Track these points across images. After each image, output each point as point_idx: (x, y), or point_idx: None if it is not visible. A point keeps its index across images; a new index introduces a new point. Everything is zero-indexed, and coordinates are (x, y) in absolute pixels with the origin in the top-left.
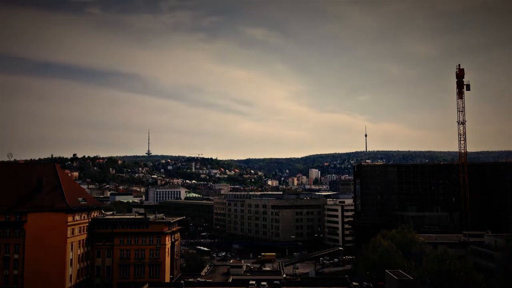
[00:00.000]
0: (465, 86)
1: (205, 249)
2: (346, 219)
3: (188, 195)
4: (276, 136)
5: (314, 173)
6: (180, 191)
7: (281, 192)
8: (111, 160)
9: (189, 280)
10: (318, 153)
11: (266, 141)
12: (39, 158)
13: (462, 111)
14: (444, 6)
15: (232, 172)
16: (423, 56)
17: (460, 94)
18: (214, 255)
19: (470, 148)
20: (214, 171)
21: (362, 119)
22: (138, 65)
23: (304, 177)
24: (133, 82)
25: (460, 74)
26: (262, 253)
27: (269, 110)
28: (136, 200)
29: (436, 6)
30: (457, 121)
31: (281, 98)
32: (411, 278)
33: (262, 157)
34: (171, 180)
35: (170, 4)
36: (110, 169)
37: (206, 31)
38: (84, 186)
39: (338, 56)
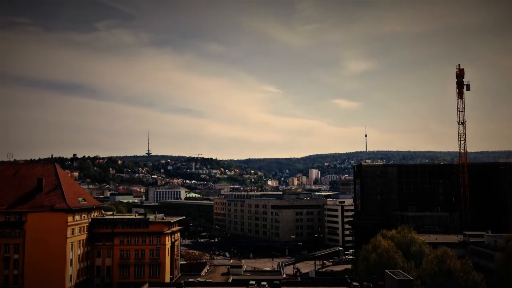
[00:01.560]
0: (465, 86)
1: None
2: (346, 219)
3: (188, 195)
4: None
5: (314, 173)
6: (180, 191)
7: (281, 192)
8: (111, 160)
9: (189, 280)
10: (318, 153)
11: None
12: (39, 158)
13: (462, 111)
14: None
15: (232, 172)
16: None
17: (460, 94)
18: (214, 255)
19: (470, 148)
20: (214, 171)
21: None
22: (115, 77)
23: (304, 177)
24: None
25: (460, 74)
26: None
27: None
28: (136, 200)
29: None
30: (457, 121)
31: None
32: (411, 278)
33: (262, 157)
34: (171, 180)
35: (105, 24)
36: (110, 169)
37: (167, 45)
38: (84, 186)
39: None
